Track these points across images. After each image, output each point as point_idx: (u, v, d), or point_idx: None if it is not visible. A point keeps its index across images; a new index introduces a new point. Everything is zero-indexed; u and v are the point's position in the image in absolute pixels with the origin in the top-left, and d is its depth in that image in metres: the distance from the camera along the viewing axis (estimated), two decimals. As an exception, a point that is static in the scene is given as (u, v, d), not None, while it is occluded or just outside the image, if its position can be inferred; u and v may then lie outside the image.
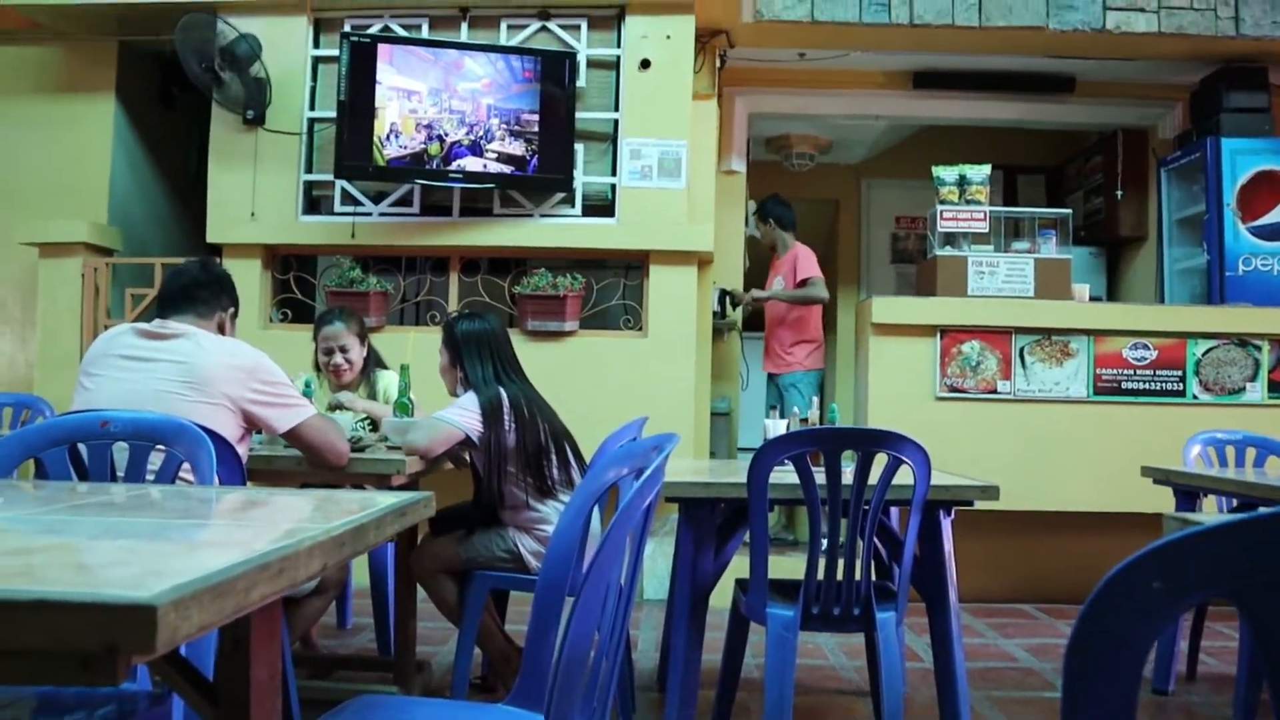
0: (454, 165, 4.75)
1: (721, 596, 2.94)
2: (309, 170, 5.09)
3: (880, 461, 2.58)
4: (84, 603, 0.84)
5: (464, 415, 2.92)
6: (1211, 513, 3.44)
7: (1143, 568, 0.77)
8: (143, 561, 1.10)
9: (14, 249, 5.29)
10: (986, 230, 5.24)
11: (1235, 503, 3.36)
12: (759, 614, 2.64)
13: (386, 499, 1.67)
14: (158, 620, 0.83)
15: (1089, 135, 7.11)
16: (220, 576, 0.95)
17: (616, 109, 5.03)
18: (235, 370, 2.39)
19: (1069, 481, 4.90)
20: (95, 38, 5.53)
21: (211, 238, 5.07)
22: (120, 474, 2.15)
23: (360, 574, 4.09)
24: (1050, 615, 4.83)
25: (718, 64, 5.50)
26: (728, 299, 5.77)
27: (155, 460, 2.13)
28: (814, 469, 2.57)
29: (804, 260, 5.57)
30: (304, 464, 2.67)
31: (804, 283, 5.52)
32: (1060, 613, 4.88)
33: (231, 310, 2.65)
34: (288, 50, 5.07)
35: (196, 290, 2.55)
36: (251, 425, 2.44)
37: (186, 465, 2.08)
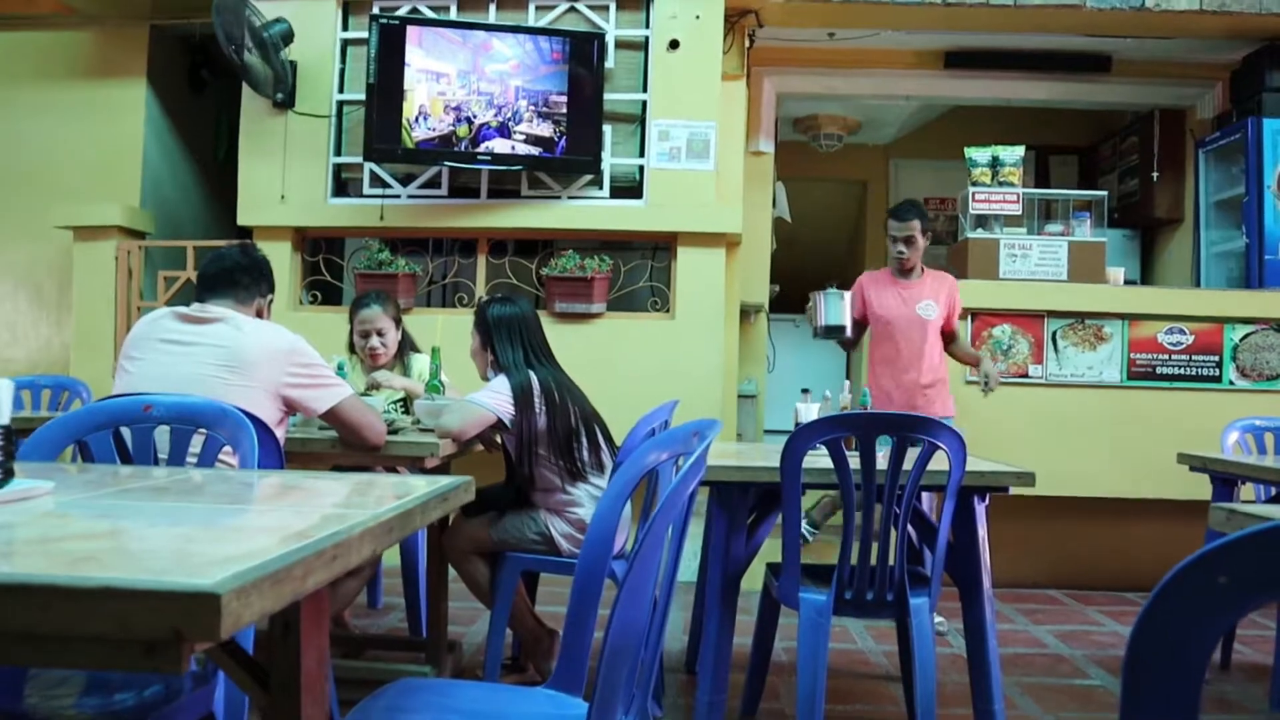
0: (482, 147, 4.75)
1: (749, 579, 2.95)
2: (338, 153, 5.11)
3: (915, 447, 2.57)
4: (151, 590, 0.86)
5: (496, 398, 2.93)
6: (1250, 501, 3.41)
7: (1211, 562, 0.77)
8: (201, 548, 1.11)
9: (50, 232, 5.34)
10: (1019, 213, 5.20)
11: (1275, 491, 3.33)
12: (791, 598, 2.65)
13: (421, 483, 1.69)
14: (222, 608, 0.85)
15: (1124, 115, 7.02)
16: (279, 563, 0.96)
17: (645, 90, 5.02)
18: (273, 353, 2.40)
19: (1101, 467, 4.87)
20: (127, 21, 5.57)
21: (242, 220, 5.10)
22: (162, 456, 2.18)
23: (390, 554, 4.13)
24: (1080, 602, 4.81)
25: (746, 44, 5.47)
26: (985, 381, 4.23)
27: (196, 443, 2.16)
28: (848, 454, 2.57)
29: (956, 289, 4.41)
30: (338, 446, 2.69)
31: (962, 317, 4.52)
32: (1090, 599, 4.86)
33: (270, 296, 2.68)
34: (317, 33, 5.08)
35: (237, 274, 2.57)
36: (290, 408, 2.46)
37: (226, 448, 2.10)
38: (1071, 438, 4.87)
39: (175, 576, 0.89)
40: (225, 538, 1.24)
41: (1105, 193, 5.56)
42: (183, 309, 2.47)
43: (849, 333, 4.11)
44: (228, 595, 0.85)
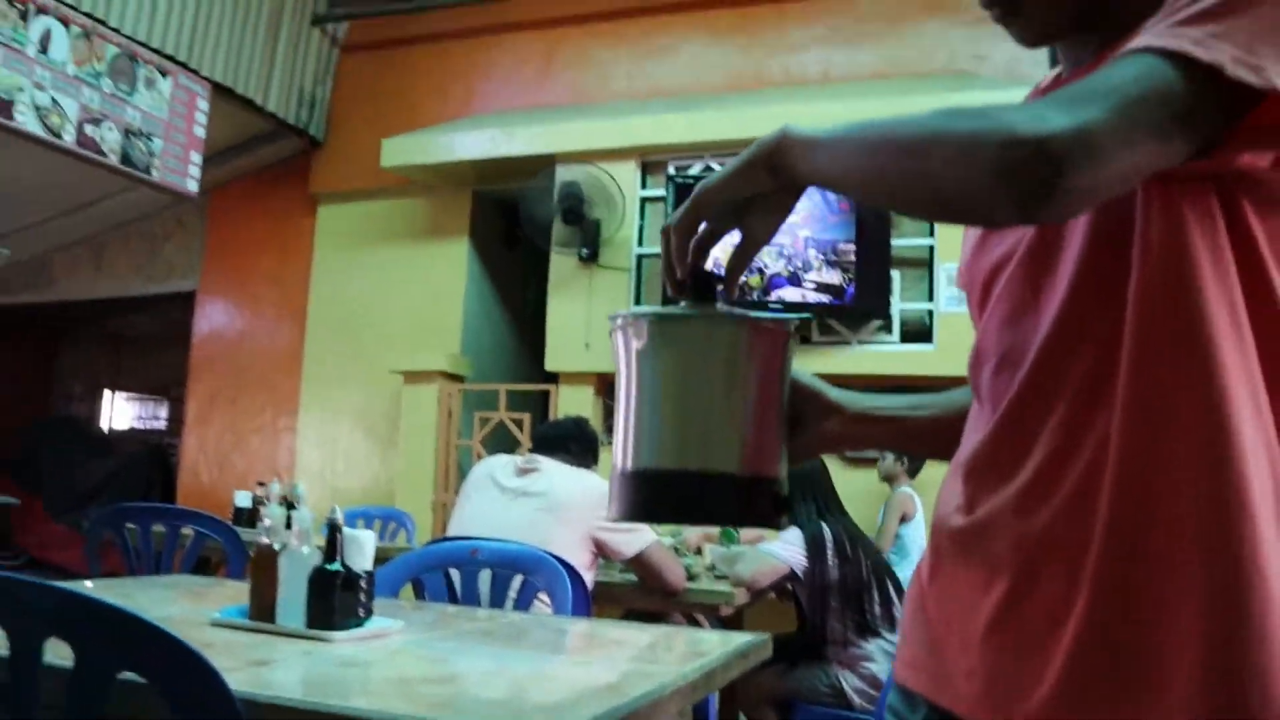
0: (773, 295, 4.92)
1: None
2: (638, 302, 5.44)
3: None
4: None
5: (789, 549, 2.99)
6: None
7: None
8: (532, 698, 1.25)
9: (384, 376, 5.98)
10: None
11: None
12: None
13: (715, 638, 1.77)
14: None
15: None
16: (605, 722, 1.07)
17: (931, 235, 5.04)
18: (588, 498, 2.63)
19: None
20: (454, 189, 6.25)
21: (549, 366, 5.51)
22: (483, 591, 2.40)
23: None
24: None
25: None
26: None
27: (515, 585, 2.36)
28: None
29: None
30: (639, 589, 2.84)
31: None
32: None
33: (593, 469, 2.95)
34: (618, 192, 5.49)
35: (569, 442, 2.90)
36: (600, 551, 2.65)
37: (542, 593, 2.29)
38: None
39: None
40: (549, 688, 1.37)
41: None
42: (518, 459, 2.77)
43: None
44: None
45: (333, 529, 1.60)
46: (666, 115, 5.49)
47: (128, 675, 1.03)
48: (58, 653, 1.04)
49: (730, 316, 0.91)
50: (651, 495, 0.87)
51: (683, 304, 0.91)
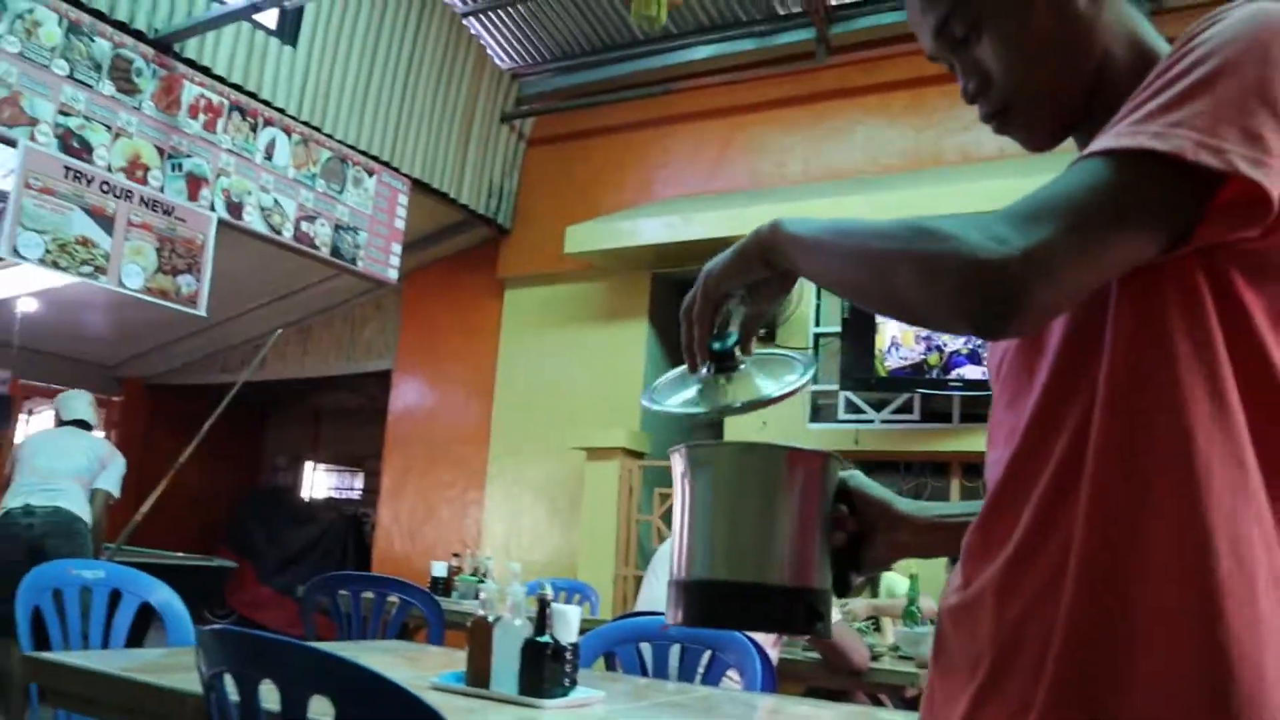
0: (953, 374, 4.89)
1: None
2: (814, 382, 5.49)
3: None
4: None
5: (975, 632, 2.95)
6: None
7: None
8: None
9: (566, 452, 6.20)
10: None
11: None
12: None
13: (898, 719, 1.79)
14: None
15: None
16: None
17: (1121, 310, 4.92)
18: None
19: None
20: (633, 272, 6.48)
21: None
22: (674, 665, 2.48)
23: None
24: None
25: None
26: None
27: (704, 657, 2.43)
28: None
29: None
30: (822, 668, 2.86)
31: None
32: None
33: None
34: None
35: None
36: (783, 632, 2.69)
37: (731, 670, 2.35)
38: None
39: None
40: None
41: None
42: None
43: None
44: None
45: (542, 604, 1.73)
46: (844, 197, 5.57)
47: (379, 731, 1.16)
48: (317, 709, 1.19)
49: (765, 448, 0.97)
50: (697, 602, 0.98)
51: (705, 373, 1.04)
